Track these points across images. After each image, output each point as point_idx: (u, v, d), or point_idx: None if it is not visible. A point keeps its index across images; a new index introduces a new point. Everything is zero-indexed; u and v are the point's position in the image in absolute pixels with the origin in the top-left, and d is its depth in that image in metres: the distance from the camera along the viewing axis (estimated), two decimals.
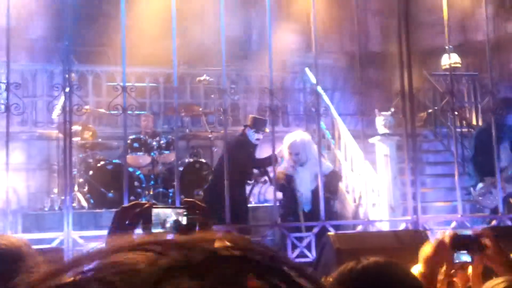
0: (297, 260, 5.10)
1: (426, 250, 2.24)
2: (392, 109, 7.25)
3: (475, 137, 7.03)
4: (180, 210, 1.77)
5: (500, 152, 6.14)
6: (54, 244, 4.76)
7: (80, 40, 8.76)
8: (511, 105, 6.68)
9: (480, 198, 6.64)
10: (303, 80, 10.81)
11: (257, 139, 7.12)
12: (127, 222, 1.69)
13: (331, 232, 4.81)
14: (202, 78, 9.33)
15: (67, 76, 5.16)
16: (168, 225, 1.76)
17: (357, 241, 4.32)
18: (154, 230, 1.73)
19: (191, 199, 1.85)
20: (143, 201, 1.80)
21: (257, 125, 7.16)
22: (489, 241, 2.34)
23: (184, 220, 1.76)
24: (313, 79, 10.23)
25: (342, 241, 4.21)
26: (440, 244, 2.26)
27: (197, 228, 1.74)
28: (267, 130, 7.05)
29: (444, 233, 2.36)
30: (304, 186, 6.45)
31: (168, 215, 1.77)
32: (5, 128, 4.89)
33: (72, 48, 5.52)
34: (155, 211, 1.75)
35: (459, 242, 2.31)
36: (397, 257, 2.81)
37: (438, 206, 8.79)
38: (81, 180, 8.06)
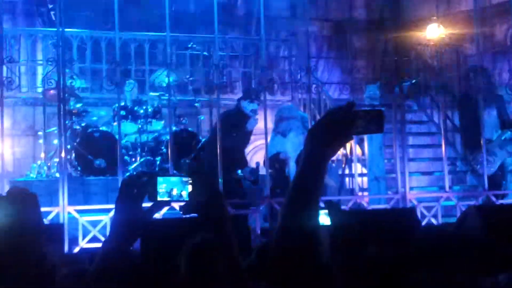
0: None
1: None
2: (379, 81, 7.31)
3: (458, 104, 7.17)
4: (186, 179, 1.82)
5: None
6: (49, 218, 4.78)
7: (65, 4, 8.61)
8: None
9: (478, 166, 6.73)
10: (288, 48, 10.80)
11: (253, 110, 7.01)
12: (135, 191, 1.74)
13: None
14: (189, 45, 9.28)
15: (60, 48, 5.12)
16: (174, 193, 1.81)
17: (352, 218, 4.42)
18: (160, 199, 1.78)
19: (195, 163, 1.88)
20: (148, 171, 1.82)
21: (249, 94, 7.15)
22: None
23: (190, 189, 1.80)
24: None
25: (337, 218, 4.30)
26: None
27: (204, 196, 1.79)
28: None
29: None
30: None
31: (173, 183, 1.81)
32: None
33: (63, 19, 5.43)
34: (160, 179, 1.80)
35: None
36: (390, 235, 2.92)
37: (421, 177, 8.94)
38: (68, 147, 8.02)
